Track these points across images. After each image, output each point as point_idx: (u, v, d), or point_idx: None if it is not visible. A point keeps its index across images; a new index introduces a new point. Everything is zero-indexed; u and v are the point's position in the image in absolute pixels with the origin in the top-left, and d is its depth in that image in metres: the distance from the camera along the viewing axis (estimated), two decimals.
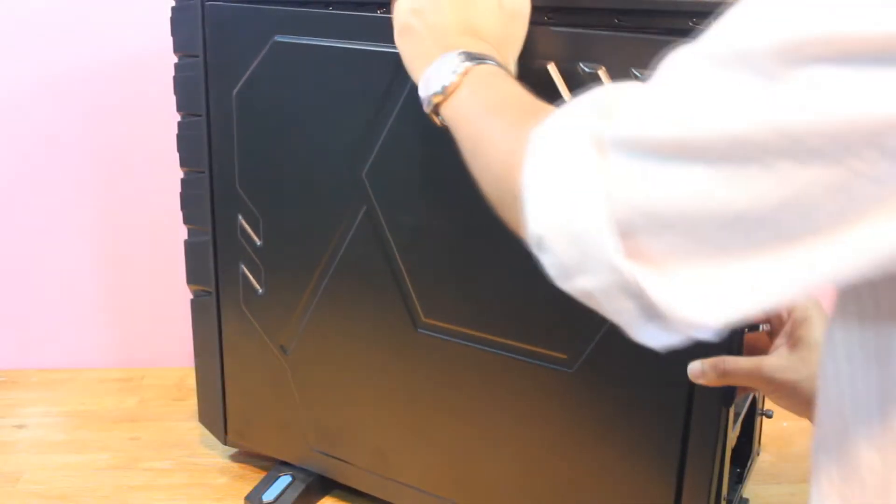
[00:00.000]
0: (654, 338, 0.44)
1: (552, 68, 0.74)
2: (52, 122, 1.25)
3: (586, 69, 0.72)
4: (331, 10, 0.85)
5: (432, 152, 0.81)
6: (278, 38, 0.87)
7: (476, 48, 0.65)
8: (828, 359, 0.50)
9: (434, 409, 0.90)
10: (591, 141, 0.43)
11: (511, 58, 0.70)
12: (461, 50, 0.63)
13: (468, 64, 0.62)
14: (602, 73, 0.72)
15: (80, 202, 1.28)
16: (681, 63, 0.41)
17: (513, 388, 0.84)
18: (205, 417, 1.10)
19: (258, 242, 0.96)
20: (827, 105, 0.36)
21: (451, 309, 0.86)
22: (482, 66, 0.63)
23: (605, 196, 0.42)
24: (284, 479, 1.03)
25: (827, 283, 0.39)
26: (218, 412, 1.07)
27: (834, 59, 0.35)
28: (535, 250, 0.47)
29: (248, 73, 0.91)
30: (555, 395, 0.82)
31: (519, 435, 0.86)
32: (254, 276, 0.98)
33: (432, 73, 0.64)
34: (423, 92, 0.64)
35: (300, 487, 1.02)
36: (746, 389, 0.78)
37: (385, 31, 0.74)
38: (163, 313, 1.33)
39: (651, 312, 0.42)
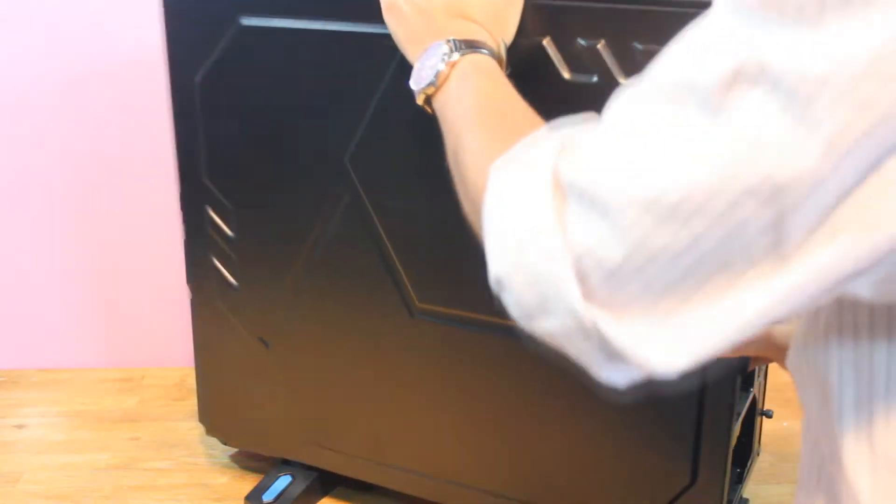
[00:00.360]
0: (617, 377, 0.44)
1: (548, 44, 0.71)
2: (49, 121, 1.24)
3: (584, 44, 0.70)
4: None
5: (419, 133, 0.79)
6: (244, 21, 0.84)
7: (465, 33, 0.63)
8: (792, 372, 0.53)
9: (434, 393, 0.89)
10: (549, 184, 0.43)
11: (505, 39, 0.68)
12: (449, 37, 0.61)
13: (456, 55, 0.61)
14: (602, 47, 0.69)
15: (81, 202, 1.28)
16: (627, 103, 0.42)
17: (515, 370, 0.84)
18: (205, 417, 1.10)
19: (231, 235, 0.94)
20: (756, 141, 0.36)
21: (448, 293, 0.85)
22: (471, 57, 0.61)
23: (562, 240, 0.41)
24: (284, 479, 1.03)
25: (778, 315, 0.40)
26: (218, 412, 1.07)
27: (765, 88, 0.36)
28: (494, 288, 0.46)
29: (211, 58, 0.87)
30: (560, 376, 0.81)
31: (523, 416, 0.85)
32: (228, 271, 0.96)
33: (421, 64, 0.62)
34: (414, 84, 0.63)
35: (300, 487, 1.02)
36: (759, 360, 0.80)
37: (361, 10, 0.70)
38: (163, 313, 1.33)
39: (611, 354, 0.42)
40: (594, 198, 0.40)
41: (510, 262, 0.44)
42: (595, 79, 0.71)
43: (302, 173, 0.88)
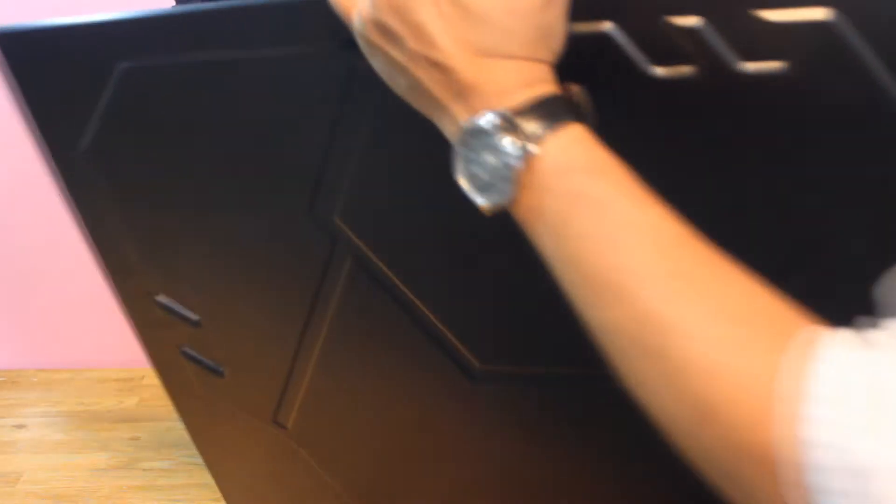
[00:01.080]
0: None
1: (614, 30, 0.47)
2: None
3: (675, 24, 0.45)
4: (208, 5, 0.53)
5: (423, 160, 0.53)
6: (126, 64, 0.57)
7: (516, 90, 0.41)
8: None
9: (510, 461, 0.72)
10: None
11: (554, 55, 0.44)
12: (493, 108, 0.41)
13: (524, 150, 0.40)
14: (703, 25, 0.45)
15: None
16: None
17: (610, 422, 0.62)
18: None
19: (195, 318, 0.73)
20: None
21: (512, 348, 0.66)
22: (555, 144, 0.40)
23: None
24: None
25: None
26: None
27: None
28: None
29: (97, 116, 0.61)
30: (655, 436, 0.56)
31: (620, 482, 0.68)
32: (208, 358, 0.77)
33: (466, 158, 0.43)
34: (470, 193, 0.44)
35: None
36: None
37: (303, 27, 0.51)
38: None
39: None
40: None
41: None
42: (692, 70, 0.47)
43: (276, 244, 0.65)
